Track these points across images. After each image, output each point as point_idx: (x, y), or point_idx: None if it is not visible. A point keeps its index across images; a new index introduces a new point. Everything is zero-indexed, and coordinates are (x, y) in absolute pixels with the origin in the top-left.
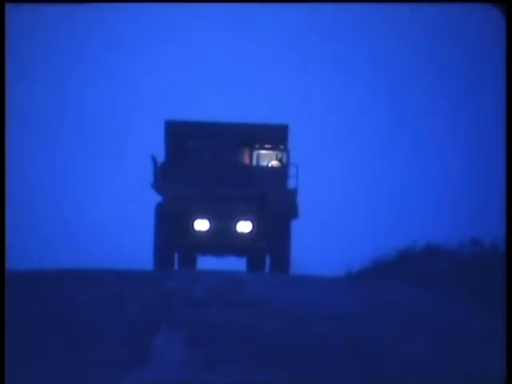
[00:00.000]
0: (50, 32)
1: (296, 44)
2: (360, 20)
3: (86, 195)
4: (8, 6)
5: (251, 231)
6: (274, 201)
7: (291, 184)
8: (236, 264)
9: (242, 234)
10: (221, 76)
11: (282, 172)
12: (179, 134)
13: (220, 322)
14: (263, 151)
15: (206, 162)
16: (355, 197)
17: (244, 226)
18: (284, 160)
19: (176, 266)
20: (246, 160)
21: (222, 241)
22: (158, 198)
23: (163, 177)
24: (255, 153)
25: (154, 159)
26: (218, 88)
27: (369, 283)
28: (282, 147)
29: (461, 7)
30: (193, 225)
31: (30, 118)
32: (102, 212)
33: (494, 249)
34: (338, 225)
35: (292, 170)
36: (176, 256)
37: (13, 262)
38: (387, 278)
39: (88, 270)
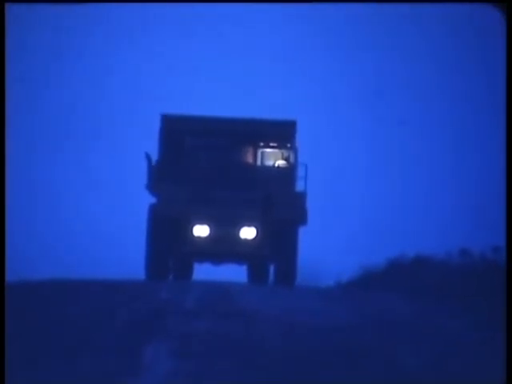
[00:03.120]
0: (49, 32)
1: (304, 40)
2: (361, 20)
3: (86, 200)
4: (8, 6)
5: (255, 238)
6: (280, 204)
7: (299, 186)
8: (236, 274)
9: (245, 241)
10: (224, 71)
11: (288, 173)
12: (176, 130)
13: (211, 333)
14: (268, 149)
15: (206, 161)
16: (345, 208)
17: (248, 233)
18: (291, 159)
19: (171, 275)
20: (250, 159)
21: (223, 248)
22: (152, 200)
23: (158, 177)
24: (260, 151)
25: (148, 157)
26: (221, 83)
27: (361, 293)
28: (289, 145)
29: (461, 7)
30: (191, 230)
31: (30, 119)
32: (102, 218)
33: (483, 259)
34: (327, 234)
35: (300, 171)
36: (171, 264)
37: (11, 270)
38: (377, 288)
39: (81, 281)
